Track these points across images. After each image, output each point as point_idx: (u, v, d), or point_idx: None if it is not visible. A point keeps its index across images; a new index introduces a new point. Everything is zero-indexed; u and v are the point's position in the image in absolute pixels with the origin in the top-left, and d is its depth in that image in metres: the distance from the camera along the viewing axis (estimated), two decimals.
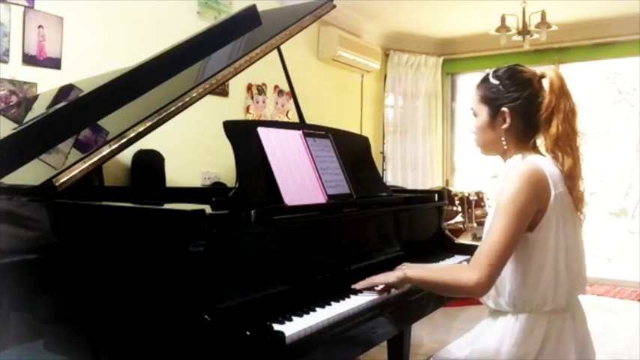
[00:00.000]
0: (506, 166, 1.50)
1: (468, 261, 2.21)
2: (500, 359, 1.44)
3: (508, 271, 1.43)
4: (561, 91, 1.46)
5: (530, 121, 1.49)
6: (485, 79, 1.55)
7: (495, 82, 1.52)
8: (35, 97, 2.67)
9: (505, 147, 1.52)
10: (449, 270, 1.56)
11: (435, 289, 1.56)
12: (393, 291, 1.64)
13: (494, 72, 1.55)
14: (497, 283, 1.45)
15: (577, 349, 1.44)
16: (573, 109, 1.47)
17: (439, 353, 1.63)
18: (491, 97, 1.52)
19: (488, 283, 1.34)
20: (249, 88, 4.17)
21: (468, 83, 6.14)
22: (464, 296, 1.48)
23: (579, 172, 1.47)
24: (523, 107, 1.48)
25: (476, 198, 5.07)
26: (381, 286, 1.56)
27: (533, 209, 1.38)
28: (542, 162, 1.44)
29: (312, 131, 1.94)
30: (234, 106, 4.03)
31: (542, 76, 1.50)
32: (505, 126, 1.50)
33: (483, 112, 1.54)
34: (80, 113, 2.06)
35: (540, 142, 1.52)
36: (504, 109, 1.49)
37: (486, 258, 1.34)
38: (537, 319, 1.42)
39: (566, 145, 1.45)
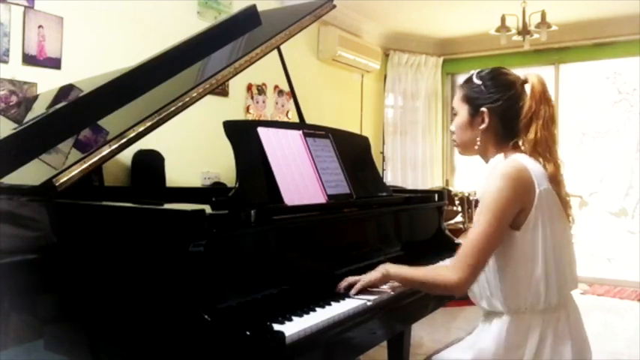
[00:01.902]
0: (489, 166, 1.51)
1: None
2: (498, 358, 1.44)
3: (500, 272, 1.43)
4: (542, 97, 1.47)
5: (509, 124, 1.49)
6: (469, 79, 1.57)
7: (478, 82, 1.53)
8: (35, 97, 2.67)
9: (478, 147, 1.54)
10: (431, 269, 1.61)
11: (416, 287, 1.60)
12: (391, 291, 1.64)
13: (479, 72, 1.56)
14: (490, 283, 1.46)
15: (574, 347, 1.44)
16: (552, 116, 1.48)
17: (436, 357, 1.62)
18: (472, 97, 1.53)
19: (467, 283, 1.39)
20: (249, 88, 4.17)
21: None
22: (444, 294, 1.53)
23: (562, 177, 1.48)
24: (502, 109, 1.49)
25: (476, 198, 5.07)
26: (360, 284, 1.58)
27: (515, 208, 1.39)
28: (525, 160, 1.44)
29: (312, 131, 1.94)
30: (234, 106, 4.03)
31: (525, 81, 1.51)
32: (483, 126, 1.51)
33: (463, 110, 1.55)
34: (80, 113, 2.07)
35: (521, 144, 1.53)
36: (483, 109, 1.50)
37: (466, 259, 1.38)
38: (532, 319, 1.42)
39: (545, 151, 1.46)
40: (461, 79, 6.45)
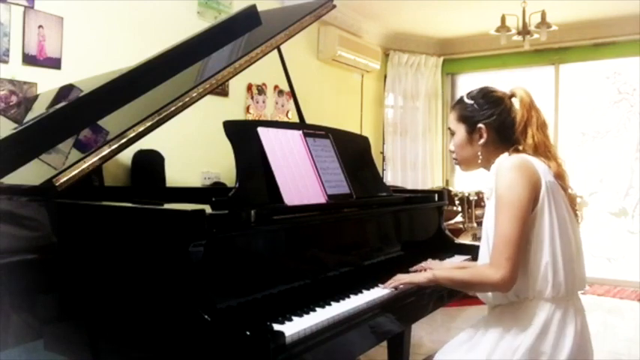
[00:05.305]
0: (495, 164, 1.57)
1: (467, 261, 2.22)
2: (500, 345, 1.46)
3: None
4: (531, 106, 1.59)
5: (505, 135, 1.60)
6: (461, 100, 1.68)
7: (470, 101, 1.64)
8: (35, 97, 2.67)
9: (481, 161, 1.63)
10: (473, 269, 1.64)
11: (461, 288, 1.68)
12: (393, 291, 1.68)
13: (468, 93, 1.67)
14: None
15: (575, 343, 1.45)
16: (544, 122, 1.60)
17: (438, 354, 1.63)
18: (467, 116, 1.64)
19: (512, 277, 1.41)
20: (249, 88, 4.17)
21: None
22: (493, 291, 1.53)
23: (566, 173, 1.58)
24: (498, 123, 1.60)
25: (476, 198, 5.07)
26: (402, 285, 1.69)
27: (531, 196, 1.45)
28: (528, 157, 1.52)
29: (312, 131, 1.94)
30: (234, 106, 4.03)
31: (513, 95, 1.62)
32: (482, 141, 1.61)
33: (461, 130, 1.65)
34: (80, 113, 2.06)
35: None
36: (480, 125, 1.60)
37: (503, 253, 1.41)
38: (538, 306, 1.46)
39: (545, 152, 1.56)
40: (461, 78, 6.48)
